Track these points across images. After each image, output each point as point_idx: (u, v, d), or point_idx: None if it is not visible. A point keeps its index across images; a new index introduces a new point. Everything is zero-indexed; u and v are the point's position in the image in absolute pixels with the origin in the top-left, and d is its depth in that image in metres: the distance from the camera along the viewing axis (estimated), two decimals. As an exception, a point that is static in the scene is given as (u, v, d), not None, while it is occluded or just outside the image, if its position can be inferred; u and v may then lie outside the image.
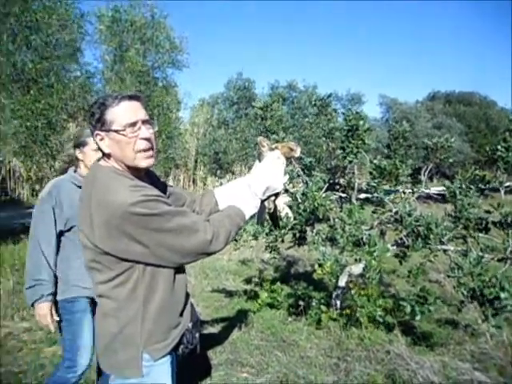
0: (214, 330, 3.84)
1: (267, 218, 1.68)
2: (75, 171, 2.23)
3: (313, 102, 3.65)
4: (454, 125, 18.47)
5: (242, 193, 1.47)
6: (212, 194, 1.58)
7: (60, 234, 2.13)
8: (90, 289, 1.83)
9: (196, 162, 16.19)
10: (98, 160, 1.38)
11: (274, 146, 1.55)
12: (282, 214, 1.63)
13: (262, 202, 1.52)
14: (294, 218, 3.23)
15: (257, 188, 1.46)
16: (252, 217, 1.54)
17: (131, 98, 1.30)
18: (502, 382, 2.96)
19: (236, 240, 3.58)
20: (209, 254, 1.32)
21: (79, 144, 2.17)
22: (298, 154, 1.55)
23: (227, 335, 3.72)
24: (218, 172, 12.54)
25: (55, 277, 2.13)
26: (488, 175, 3.51)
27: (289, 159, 1.59)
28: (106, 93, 7.01)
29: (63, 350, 2.24)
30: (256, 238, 3.63)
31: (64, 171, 2.31)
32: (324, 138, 3.99)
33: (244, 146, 10.80)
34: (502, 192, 3.48)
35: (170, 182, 23.43)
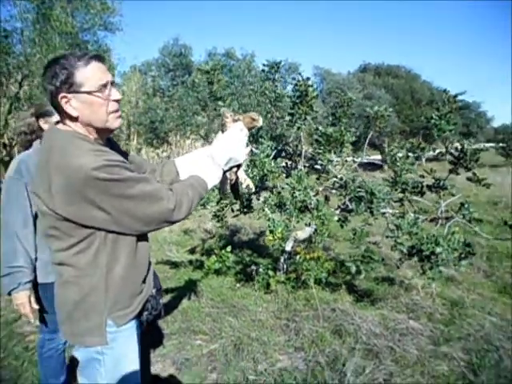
0: (163, 300, 3.80)
1: (228, 189, 1.67)
2: (41, 143, 2.02)
3: (261, 68, 3.61)
4: (383, 96, 19.40)
5: (205, 163, 1.46)
6: (173, 164, 1.55)
7: (37, 214, 1.94)
8: None
9: (129, 131, 15.48)
10: (56, 123, 1.30)
11: (236, 118, 1.53)
12: (244, 186, 1.64)
13: (224, 172, 1.52)
14: (256, 188, 3.25)
15: (220, 159, 1.46)
16: (214, 187, 1.53)
17: (98, 58, 1.25)
18: (430, 326, 3.30)
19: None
20: (171, 223, 1.30)
21: (44, 113, 1.98)
22: (260, 123, 1.54)
23: (177, 305, 3.71)
24: (155, 142, 12.10)
25: (35, 259, 1.96)
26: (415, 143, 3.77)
27: (251, 129, 1.57)
28: (28, 55, 6.34)
29: (41, 324, 2.15)
30: (204, 207, 3.60)
31: (28, 145, 2.07)
32: (269, 106, 3.99)
33: (181, 115, 10.46)
34: (424, 159, 3.76)
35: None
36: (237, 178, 1.61)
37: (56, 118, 1.93)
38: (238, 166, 1.57)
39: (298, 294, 3.82)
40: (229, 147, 1.47)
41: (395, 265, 3.60)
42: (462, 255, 2.98)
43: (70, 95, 1.20)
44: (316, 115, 3.38)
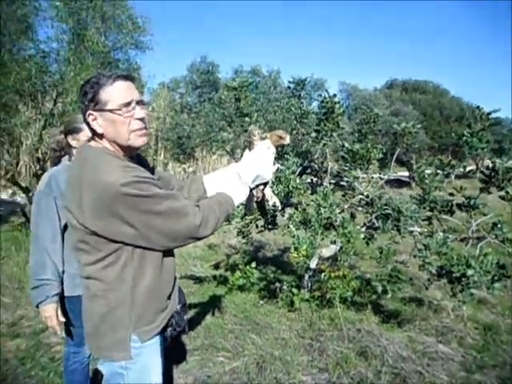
0: (187, 316, 3.80)
1: (255, 206, 1.68)
2: (70, 160, 2.08)
3: (287, 85, 3.63)
4: (410, 112, 19.11)
5: (232, 180, 1.47)
6: (201, 181, 1.56)
7: (65, 227, 1.97)
8: None
9: (157, 146, 15.80)
10: (88, 141, 1.34)
11: (264, 136, 1.55)
12: (270, 203, 1.65)
13: (251, 190, 1.53)
14: (281, 205, 3.24)
15: (246, 176, 1.47)
16: (240, 204, 1.54)
17: (125, 77, 1.28)
18: (461, 351, 3.16)
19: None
20: (197, 239, 1.32)
21: (71, 130, 2.03)
22: (287, 141, 1.55)
23: (200, 320, 3.70)
24: (181, 157, 12.30)
25: (63, 272, 2.00)
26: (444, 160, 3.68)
27: (278, 147, 1.58)
28: (63, 74, 6.61)
29: (67, 337, 2.18)
30: (229, 223, 3.61)
31: (57, 161, 2.14)
32: (295, 122, 4.00)
33: (208, 131, 10.59)
34: (453, 176, 3.66)
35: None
36: (263, 195, 1.61)
37: (84, 134, 2.01)
38: (265, 184, 1.57)
39: (322, 313, 3.74)
40: (256, 165, 1.48)
41: (423, 285, 3.48)
42: (496, 277, 2.86)
43: (95, 113, 1.25)
44: (342, 132, 3.36)
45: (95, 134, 1.30)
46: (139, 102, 1.29)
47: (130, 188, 1.15)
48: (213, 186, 1.52)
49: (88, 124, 1.28)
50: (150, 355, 1.37)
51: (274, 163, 1.56)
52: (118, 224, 1.19)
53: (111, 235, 1.21)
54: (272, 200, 1.64)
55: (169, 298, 1.42)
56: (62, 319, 2.01)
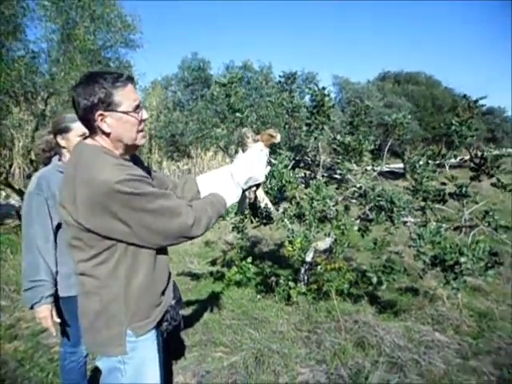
0: (184, 312, 3.80)
1: (247, 207, 1.72)
2: (60, 159, 2.07)
3: (277, 79, 3.63)
4: (403, 104, 19.11)
5: (225, 181, 1.51)
6: (194, 182, 1.59)
7: (58, 227, 1.98)
8: None
9: (150, 145, 15.74)
10: (84, 139, 1.36)
11: (257, 138, 1.59)
12: (262, 205, 1.70)
13: (244, 191, 1.57)
14: (275, 199, 3.26)
15: (239, 178, 1.51)
16: (232, 205, 1.58)
17: (132, 79, 1.34)
18: (457, 339, 3.19)
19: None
20: (189, 238, 1.34)
21: (61, 130, 2.01)
22: (278, 139, 1.58)
23: (198, 317, 3.72)
24: (175, 155, 12.29)
25: (56, 273, 2.00)
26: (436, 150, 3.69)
27: (270, 146, 1.61)
28: (53, 74, 6.56)
29: (63, 337, 2.18)
30: (224, 219, 3.62)
31: (47, 161, 2.13)
32: (287, 116, 3.99)
33: (201, 128, 10.60)
34: (447, 166, 3.68)
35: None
36: (256, 196, 1.67)
37: (74, 134, 2.00)
38: (258, 186, 1.61)
39: (319, 306, 3.77)
40: (249, 166, 1.52)
41: (418, 275, 3.51)
42: (489, 265, 2.89)
43: (106, 113, 1.27)
44: (333, 125, 3.37)
45: (98, 132, 1.31)
46: (141, 104, 1.35)
47: (123, 186, 1.17)
48: (206, 187, 1.55)
49: (88, 121, 1.29)
50: (146, 349, 1.39)
51: (267, 165, 1.60)
52: (111, 221, 1.21)
53: (104, 232, 1.23)
54: (264, 201, 1.69)
55: (163, 293, 1.44)
56: (57, 320, 2.02)
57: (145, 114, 1.35)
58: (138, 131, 1.33)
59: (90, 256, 1.28)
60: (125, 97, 1.28)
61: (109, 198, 1.17)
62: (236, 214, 3.63)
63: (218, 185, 1.51)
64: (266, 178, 3.45)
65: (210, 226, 1.39)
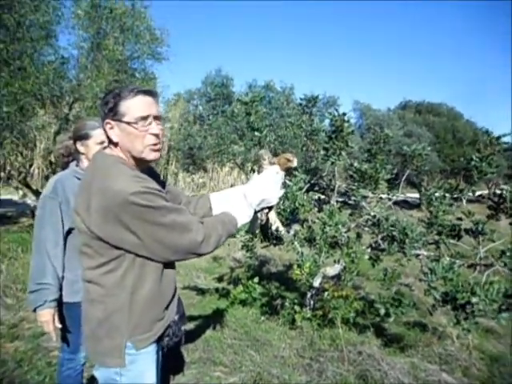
0: (186, 327, 3.75)
1: (258, 228, 1.73)
2: (77, 165, 2.09)
3: (298, 102, 3.65)
4: (423, 134, 19.04)
5: (238, 201, 1.51)
6: (207, 199, 1.59)
7: (68, 233, 1.99)
8: None
9: (168, 156, 15.92)
10: (104, 148, 1.39)
11: (273, 161, 1.59)
12: (273, 227, 1.70)
13: (256, 213, 1.56)
14: (286, 221, 3.23)
15: (252, 199, 1.51)
16: (244, 224, 1.57)
17: (146, 92, 1.32)
18: (465, 382, 3.06)
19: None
20: (198, 255, 1.34)
21: (81, 137, 2.05)
22: (295, 164, 1.59)
23: (200, 333, 3.67)
24: (191, 168, 12.39)
25: (62, 278, 2.00)
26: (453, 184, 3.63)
27: (286, 170, 1.62)
28: (80, 80, 6.75)
29: (63, 343, 2.16)
30: (234, 236, 3.59)
31: (65, 166, 2.16)
32: (305, 139, 4.00)
33: (219, 143, 10.69)
34: (464, 201, 3.61)
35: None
36: (267, 219, 1.65)
37: (93, 141, 2.03)
38: (270, 208, 1.60)
39: (323, 333, 3.68)
40: (263, 188, 1.52)
41: (428, 310, 3.41)
42: (503, 307, 2.78)
43: (113, 122, 1.30)
44: (352, 151, 3.35)
45: (111, 142, 1.34)
46: (156, 118, 1.33)
47: (137, 197, 1.18)
48: (219, 205, 1.56)
49: (105, 131, 1.33)
50: (144, 363, 1.38)
51: (281, 188, 1.60)
52: (122, 231, 1.22)
53: (114, 241, 1.24)
54: (275, 224, 1.69)
55: (167, 308, 1.43)
56: (59, 325, 2.00)
57: (154, 128, 1.32)
58: (147, 145, 1.31)
59: (99, 264, 1.29)
60: (130, 107, 1.28)
61: (122, 209, 1.18)
62: (247, 232, 3.63)
63: (231, 204, 1.51)
64: (280, 200, 3.44)
65: (220, 244, 1.39)
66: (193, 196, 1.69)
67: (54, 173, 7.86)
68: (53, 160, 7.78)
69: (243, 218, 1.49)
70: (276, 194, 1.55)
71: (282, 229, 1.60)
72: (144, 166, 1.39)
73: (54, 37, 6.51)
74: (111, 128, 1.31)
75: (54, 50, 6.43)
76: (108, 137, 1.33)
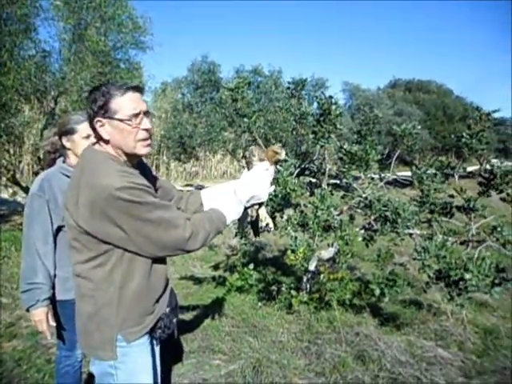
0: (184, 317, 3.78)
1: (248, 225, 1.74)
2: (64, 161, 2.05)
3: (286, 85, 3.60)
4: (414, 112, 18.99)
5: (227, 198, 1.52)
6: (199, 195, 1.62)
7: (58, 230, 1.96)
8: None
9: (160, 147, 15.78)
10: (93, 144, 1.39)
11: (263, 157, 1.59)
12: (263, 224, 1.70)
13: (246, 209, 1.57)
14: (275, 228, 3.23)
15: (242, 195, 1.51)
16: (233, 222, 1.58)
17: (135, 89, 1.35)
18: (460, 356, 3.12)
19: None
20: (185, 252, 1.36)
21: (66, 132, 2.01)
22: (283, 156, 1.59)
23: (198, 322, 3.68)
24: (182, 156, 12.29)
25: (54, 276, 1.98)
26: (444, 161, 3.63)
27: (275, 163, 1.62)
28: (64, 73, 6.61)
29: (59, 341, 2.16)
30: (221, 233, 3.57)
31: (52, 163, 2.11)
32: (294, 123, 3.96)
33: (209, 131, 10.60)
34: (456, 177, 3.61)
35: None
36: (257, 215, 1.66)
37: (79, 135, 1.99)
38: (260, 204, 1.61)
39: (320, 316, 3.71)
40: (253, 185, 1.52)
41: (422, 288, 3.44)
42: (495, 281, 2.81)
43: (104, 120, 1.31)
44: (340, 133, 3.33)
45: (100, 139, 1.36)
46: (146, 113, 1.36)
47: (123, 192, 1.20)
48: (210, 201, 1.58)
49: (94, 129, 1.34)
50: (138, 356, 1.40)
51: (271, 184, 1.59)
52: (109, 226, 1.23)
53: (101, 236, 1.26)
54: (265, 221, 1.70)
55: (157, 301, 1.44)
56: (53, 323, 2.00)
57: (146, 124, 1.34)
58: (138, 140, 1.34)
59: (87, 258, 1.31)
60: (122, 105, 1.30)
61: (108, 203, 1.20)
62: (237, 233, 3.65)
63: (220, 200, 1.51)
64: (271, 184, 3.43)
65: (208, 241, 1.40)
66: (185, 191, 1.71)
67: (43, 169, 7.78)
68: (41, 156, 7.68)
69: (232, 214, 1.49)
70: (266, 190, 1.55)
71: (272, 226, 1.59)
72: (135, 161, 1.41)
73: (34, 30, 6.34)
74: (102, 126, 1.32)
75: (34, 44, 6.28)
76: (98, 134, 1.34)
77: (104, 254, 1.29)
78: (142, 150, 1.36)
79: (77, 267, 1.35)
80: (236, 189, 1.51)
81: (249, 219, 1.66)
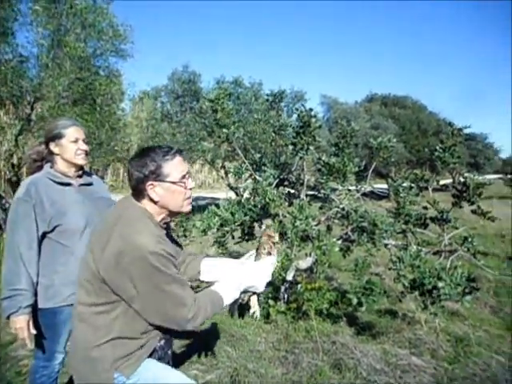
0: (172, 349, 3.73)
1: (235, 305, 1.83)
2: (51, 167, 2.02)
3: (265, 97, 3.66)
4: (389, 126, 19.53)
5: (229, 283, 1.56)
6: (199, 263, 1.69)
7: (43, 236, 1.92)
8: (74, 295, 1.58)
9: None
10: (132, 195, 1.46)
11: (271, 251, 1.71)
12: (251, 311, 1.78)
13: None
14: (257, 216, 3.26)
15: (243, 285, 1.57)
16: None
17: (180, 152, 1.47)
18: (433, 363, 3.19)
19: (185, 235, 3.53)
20: (181, 329, 1.37)
21: (54, 137, 1.99)
22: (276, 239, 1.74)
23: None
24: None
25: (37, 284, 1.92)
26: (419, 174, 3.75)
27: (273, 244, 1.75)
28: (41, 79, 6.50)
29: (37, 350, 2.08)
30: (205, 234, 3.58)
31: (37, 170, 2.07)
32: (273, 134, 4.02)
33: (188, 140, 10.59)
34: (430, 190, 3.74)
35: (109, 176, 22.38)
36: (248, 300, 1.77)
37: (66, 140, 1.98)
38: (254, 293, 1.68)
39: (298, 325, 3.73)
40: (255, 277, 1.59)
41: (397, 298, 3.52)
42: (466, 290, 2.91)
43: (156, 183, 1.40)
44: (319, 145, 3.40)
45: (147, 199, 1.42)
46: (188, 174, 1.47)
47: (154, 258, 1.26)
48: (208, 273, 1.70)
49: (141, 190, 1.41)
50: (148, 370, 1.40)
51: (271, 276, 1.68)
52: (125, 281, 1.28)
53: (114, 286, 1.31)
54: (254, 309, 1.77)
55: (150, 336, 1.45)
56: (34, 331, 1.93)
57: (191, 184, 1.46)
58: (186, 199, 1.45)
59: (93, 303, 1.35)
60: (173, 168, 1.41)
61: (135, 262, 1.25)
62: (233, 316, 3.67)
63: (222, 284, 1.54)
64: (250, 194, 3.46)
65: (202, 323, 1.44)
66: (187, 255, 1.75)
67: (16, 176, 7.57)
68: (15, 163, 7.48)
69: (229, 299, 1.54)
70: (265, 284, 1.62)
71: (258, 315, 1.71)
72: (172, 219, 1.53)
73: (12, 34, 6.24)
74: (153, 188, 1.39)
75: (11, 48, 6.17)
76: (144, 194, 1.41)
77: (111, 304, 1.34)
78: (187, 207, 1.47)
79: (80, 307, 1.39)
80: (240, 278, 1.56)
81: (239, 302, 1.74)
